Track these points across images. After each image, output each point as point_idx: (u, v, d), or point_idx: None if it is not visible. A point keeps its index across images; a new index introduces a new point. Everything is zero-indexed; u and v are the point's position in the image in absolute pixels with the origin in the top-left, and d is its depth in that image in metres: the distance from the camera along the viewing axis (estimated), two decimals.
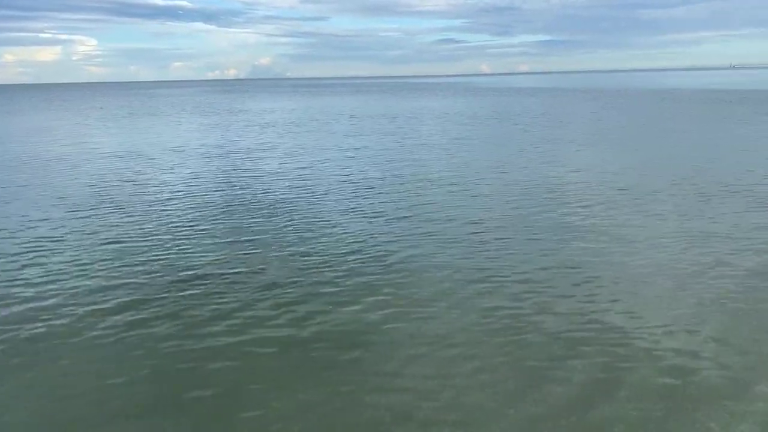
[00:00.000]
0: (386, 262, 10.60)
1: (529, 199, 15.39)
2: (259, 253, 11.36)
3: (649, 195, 15.43)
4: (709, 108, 48.03)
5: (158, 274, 10.23)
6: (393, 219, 13.79)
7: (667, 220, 12.99)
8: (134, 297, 9.14)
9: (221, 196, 16.79)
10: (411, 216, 14.00)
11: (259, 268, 10.42)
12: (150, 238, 12.48)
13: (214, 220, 13.97)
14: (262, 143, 29.86)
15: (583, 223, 12.99)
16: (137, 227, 13.35)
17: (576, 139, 28.68)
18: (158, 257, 11.19)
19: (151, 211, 14.93)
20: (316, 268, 10.43)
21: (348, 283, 9.66)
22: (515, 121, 40.70)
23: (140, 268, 10.57)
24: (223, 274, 10.19)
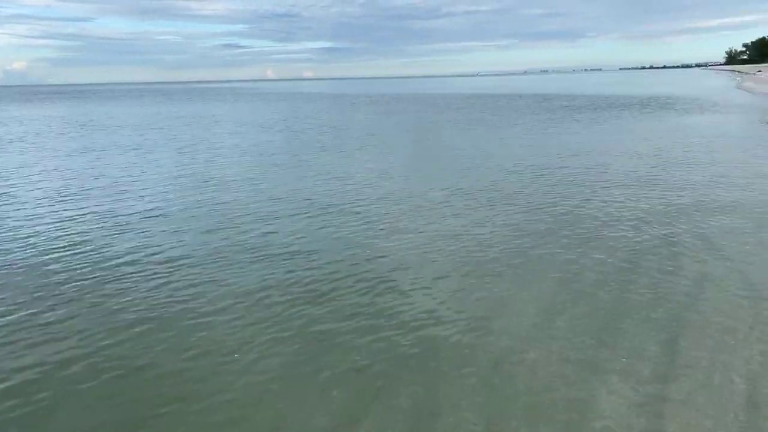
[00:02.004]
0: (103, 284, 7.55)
1: (289, 211, 13.52)
2: None
3: (414, 198, 14.56)
4: (464, 113, 51.37)
5: None
6: (110, 239, 10.58)
7: (428, 220, 12.23)
8: None
9: None
10: (138, 237, 10.85)
11: None
12: None
13: None
14: None
15: (342, 230, 11.65)
16: None
17: (349, 145, 27.29)
18: None
19: None
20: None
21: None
22: (291, 126, 38.62)
23: None
24: None
